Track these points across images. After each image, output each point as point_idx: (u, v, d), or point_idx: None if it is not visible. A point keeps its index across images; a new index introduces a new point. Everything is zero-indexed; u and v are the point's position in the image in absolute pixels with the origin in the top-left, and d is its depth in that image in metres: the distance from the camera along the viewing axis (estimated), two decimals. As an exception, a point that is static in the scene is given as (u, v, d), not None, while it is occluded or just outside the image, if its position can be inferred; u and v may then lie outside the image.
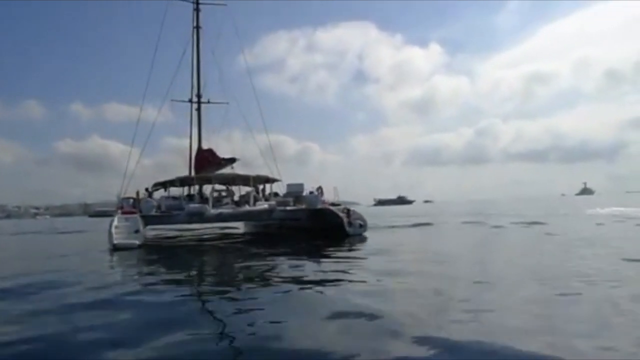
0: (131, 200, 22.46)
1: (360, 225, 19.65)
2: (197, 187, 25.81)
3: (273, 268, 10.52)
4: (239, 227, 27.91)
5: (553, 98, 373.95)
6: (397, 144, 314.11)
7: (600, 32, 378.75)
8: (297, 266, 10.54)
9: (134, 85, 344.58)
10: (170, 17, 28.27)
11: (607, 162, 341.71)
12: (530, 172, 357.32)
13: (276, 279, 8.95)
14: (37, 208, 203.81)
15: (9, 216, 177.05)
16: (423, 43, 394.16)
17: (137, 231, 17.13)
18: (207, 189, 25.40)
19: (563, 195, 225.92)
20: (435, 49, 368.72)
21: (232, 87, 30.11)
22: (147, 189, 23.03)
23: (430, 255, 12.33)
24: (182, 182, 23.68)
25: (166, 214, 20.12)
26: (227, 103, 28.52)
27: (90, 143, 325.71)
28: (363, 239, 17.53)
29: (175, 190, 24.59)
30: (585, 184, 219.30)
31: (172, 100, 27.54)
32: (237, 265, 11.75)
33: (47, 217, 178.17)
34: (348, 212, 20.01)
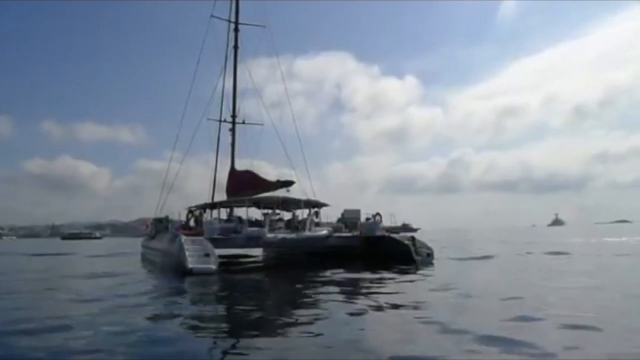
0: (178, 222, 21.54)
1: (428, 255, 19.10)
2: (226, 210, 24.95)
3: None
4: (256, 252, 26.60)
5: (523, 131, 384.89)
6: (373, 172, 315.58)
7: (567, 69, 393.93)
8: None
9: (113, 104, 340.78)
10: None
11: (575, 193, 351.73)
12: (501, 202, 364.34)
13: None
14: (1, 228, 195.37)
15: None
16: (399, 74, 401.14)
17: (207, 254, 16.09)
18: (238, 211, 24.55)
19: (534, 225, 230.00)
20: (410, 80, 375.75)
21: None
22: (191, 211, 21.96)
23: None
24: (229, 204, 22.72)
25: (225, 237, 19.12)
26: (262, 124, 27.93)
27: (61, 163, 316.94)
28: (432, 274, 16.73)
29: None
30: (556, 215, 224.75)
31: (208, 119, 26.81)
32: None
33: (14, 237, 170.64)
34: (413, 240, 19.44)
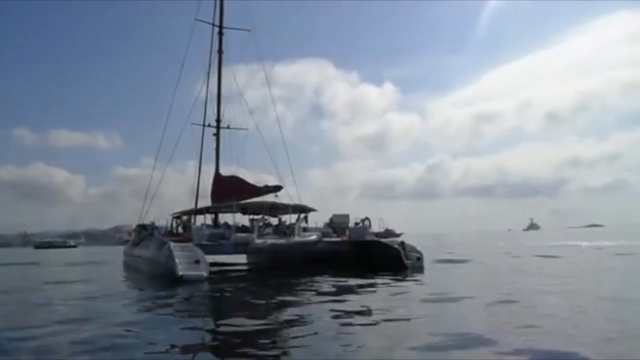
0: (163, 228, 21.14)
1: (418, 259, 19.05)
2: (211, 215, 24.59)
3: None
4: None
5: (499, 137, 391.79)
6: (352, 177, 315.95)
7: (541, 77, 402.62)
8: None
9: (89, 110, 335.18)
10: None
11: (549, 198, 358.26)
12: (478, 207, 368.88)
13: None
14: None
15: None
16: (377, 81, 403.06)
17: (197, 261, 15.74)
18: (222, 217, 24.23)
19: (510, 230, 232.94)
20: (389, 87, 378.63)
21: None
22: (179, 217, 21.52)
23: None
24: (216, 210, 22.35)
25: (213, 244, 18.77)
26: (247, 129, 27.64)
27: (34, 170, 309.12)
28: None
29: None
30: (532, 219, 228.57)
31: (192, 123, 26.40)
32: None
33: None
34: (403, 244, 19.38)
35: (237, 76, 27.82)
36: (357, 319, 8.12)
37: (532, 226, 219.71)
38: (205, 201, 25.20)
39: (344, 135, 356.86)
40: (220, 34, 27.19)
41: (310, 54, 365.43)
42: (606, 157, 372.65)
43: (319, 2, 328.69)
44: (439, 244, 51.28)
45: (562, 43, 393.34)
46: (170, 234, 20.69)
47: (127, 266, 23.99)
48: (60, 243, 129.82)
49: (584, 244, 36.29)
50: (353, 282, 14.00)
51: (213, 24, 27.34)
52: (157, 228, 21.41)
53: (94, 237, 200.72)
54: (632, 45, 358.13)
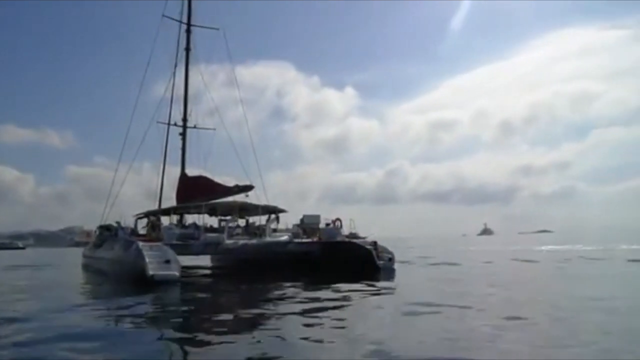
0: (128, 228, 20.46)
1: (390, 259, 19.18)
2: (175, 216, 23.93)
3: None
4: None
5: (456, 144, 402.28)
6: (313, 180, 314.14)
7: (496, 87, 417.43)
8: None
9: (40, 107, 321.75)
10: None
11: (502, 204, 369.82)
12: (434, 212, 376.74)
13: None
14: None
15: None
16: (339, 86, 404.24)
17: (167, 261, 15.21)
18: (189, 218, 23.65)
19: (464, 235, 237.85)
20: (350, 92, 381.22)
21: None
22: (146, 217, 20.82)
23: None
24: (185, 210, 21.75)
25: (183, 244, 18.24)
26: (214, 129, 27.14)
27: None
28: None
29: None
30: (485, 224, 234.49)
31: (157, 122, 25.70)
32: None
33: None
34: (375, 244, 19.42)
35: (203, 76, 27.31)
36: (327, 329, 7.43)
37: (486, 231, 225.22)
38: (168, 202, 24.55)
39: (305, 139, 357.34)
40: (188, 31, 26.69)
41: (272, 56, 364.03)
42: (556, 165, 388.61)
43: (279, 4, 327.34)
44: (401, 246, 51.76)
45: (517, 56, 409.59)
46: (135, 234, 19.99)
47: (87, 268, 23.07)
48: (7, 244, 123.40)
49: (544, 248, 37.44)
50: (324, 287, 12.78)
51: (180, 21, 26.83)
52: (122, 228, 20.60)
53: (43, 239, 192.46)
54: (578, 59, 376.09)
